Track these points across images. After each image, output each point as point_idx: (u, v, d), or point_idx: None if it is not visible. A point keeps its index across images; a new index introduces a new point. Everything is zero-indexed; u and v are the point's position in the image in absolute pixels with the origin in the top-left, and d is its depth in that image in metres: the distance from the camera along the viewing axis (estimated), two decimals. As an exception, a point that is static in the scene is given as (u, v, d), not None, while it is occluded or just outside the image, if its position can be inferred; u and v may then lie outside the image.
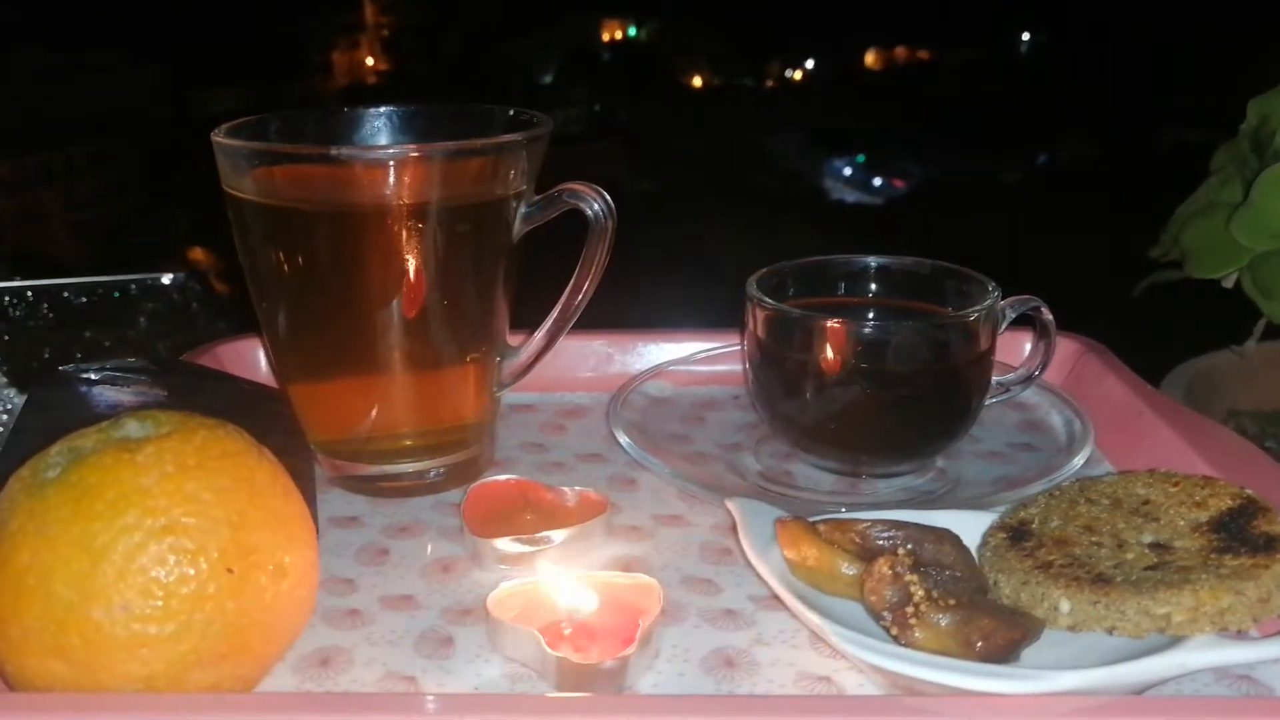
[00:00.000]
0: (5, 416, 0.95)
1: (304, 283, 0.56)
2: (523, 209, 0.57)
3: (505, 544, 0.52)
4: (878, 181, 4.08)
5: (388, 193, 0.53)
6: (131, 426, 0.43)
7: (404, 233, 0.54)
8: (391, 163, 0.52)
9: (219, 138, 0.55)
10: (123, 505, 0.40)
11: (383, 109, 0.62)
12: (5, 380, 0.98)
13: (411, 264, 0.54)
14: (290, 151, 0.55)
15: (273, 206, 0.55)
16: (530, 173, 0.57)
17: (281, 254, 0.56)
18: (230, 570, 0.41)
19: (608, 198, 0.57)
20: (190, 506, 0.40)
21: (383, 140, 0.62)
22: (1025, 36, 3.88)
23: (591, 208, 0.57)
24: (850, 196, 4.04)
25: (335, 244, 0.55)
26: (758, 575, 0.48)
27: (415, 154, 0.53)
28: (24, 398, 0.97)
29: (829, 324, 0.55)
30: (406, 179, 0.53)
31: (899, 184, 4.03)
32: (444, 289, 0.56)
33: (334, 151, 0.53)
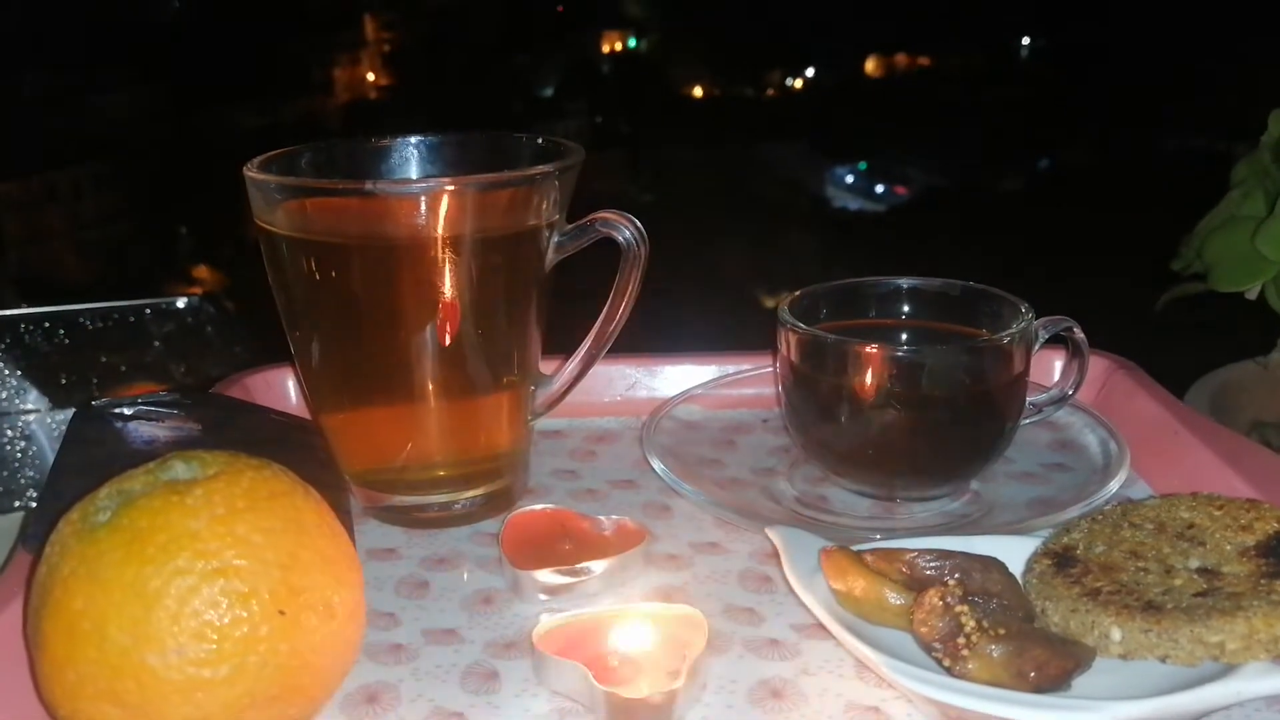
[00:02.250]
0: (23, 442, 0.95)
1: (338, 315, 0.56)
2: (555, 238, 0.57)
3: (546, 575, 0.52)
4: (880, 188, 4.08)
5: (422, 226, 0.53)
6: (179, 468, 0.43)
7: (438, 265, 0.54)
8: (426, 196, 0.53)
9: (251, 173, 0.55)
10: (174, 549, 0.40)
11: (412, 139, 0.62)
12: (21, 405, 0.99)
13: (445, 295, 0.54)
14: (325, 186, 0.55)
15: (306, 240, 0.55)
16: (562, 202, 0.57)
17: (315, 286, 0.56)
18: (282, 612, 0.41)
19: (639, 225, 0.57)
20: (241, 549, 0.40)
21: (412, 171, 0.62)
22: (1027, 41, 3.88)
23: (624, 235, 0.57)
24: (853, 204, 4.05)
25: (369, 276, 0.55)
26: (800, 603, 0.48)
27: (450, 187, 0.53)
28: (39, 420, 0.97)
29: (864, 349, 0.55)
30: (441, 212, 0.53)
31: (901, 191, 4.04)
32: (478, 320, 0.56)
33: (369, 186, 0.53)
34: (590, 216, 0.57)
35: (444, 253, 0.53)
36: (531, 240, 0.56)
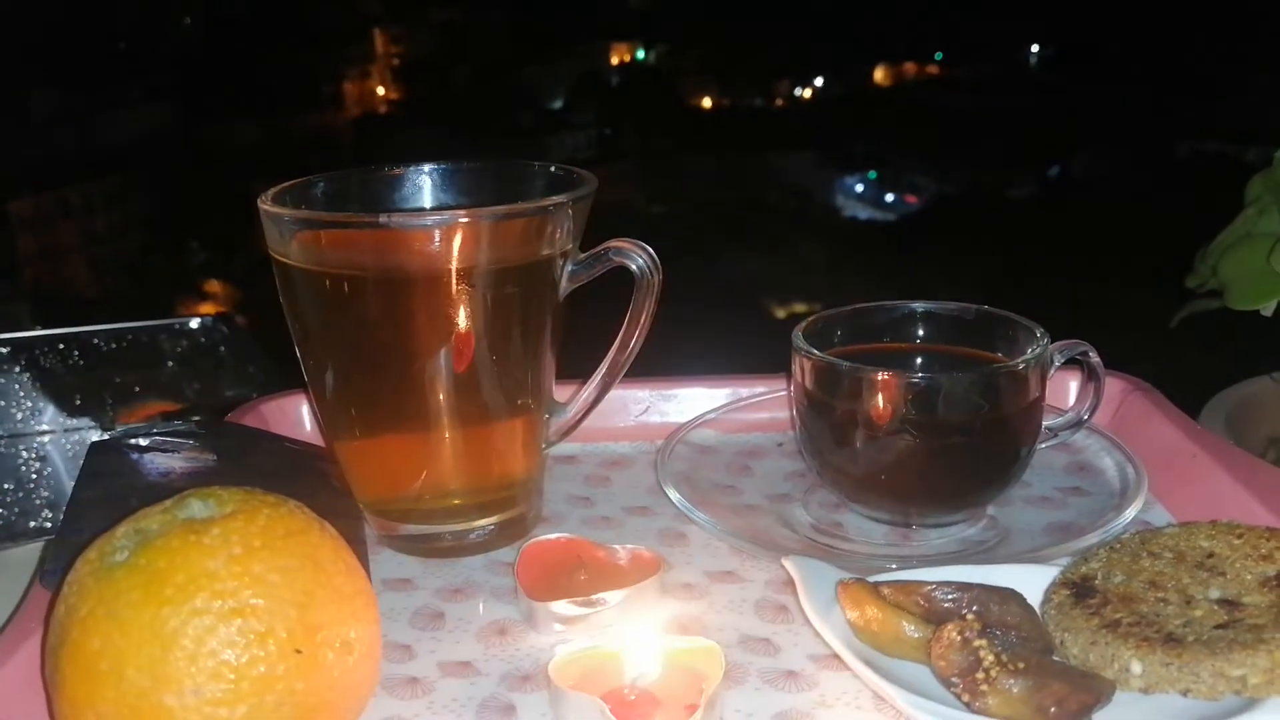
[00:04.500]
0: (38, 463, 0.96)
1: (352, 345, 0.57)
2: (569, 267, 0.57)
3: (562, 607, 0.52)
4: (890, 197, 4.09)
5: (436, 257, 0.53)
6: (196, 506, 0.43)
7: (452, 296, 0.54)
8: (440, 228, 0.53)
9: (265, 205, 0.55)
10: (192, 589, 0.40)
11: (425, 167, 0.62)
12: (36, 426, 0.99)
13: (460, 326, 0.54)
14: (340, 220, 0.56)
15: (320, 272, 0.55)
16: (575, 231, 0.57)
17: (329, 317, 0.56)
18: (298, 650, 0.41)
19: (652, 253, 0.57)
20: (258, 588, 0.41)
21: (426, 200, 0.62)
22: (1036, 49, 3.88)
23: (636, 263, 0.57)
24: (863, 213, 4.05)
25: (384, 307, 0.55)
26: (816, 634, 0.48)
27: (464, 219, 0.53)
28: (54, 441, 0.98)
29: (879, 376, 0.55)
30: (454, 244, 0.53)
31: (911, 200, 4.04)
32: (492, 349, 0.56)
33: (383, 219, 0.53)
34: (604, 245, 0.57)
35: (458, 284, 0.53)
36: (545, 270, 0.56)
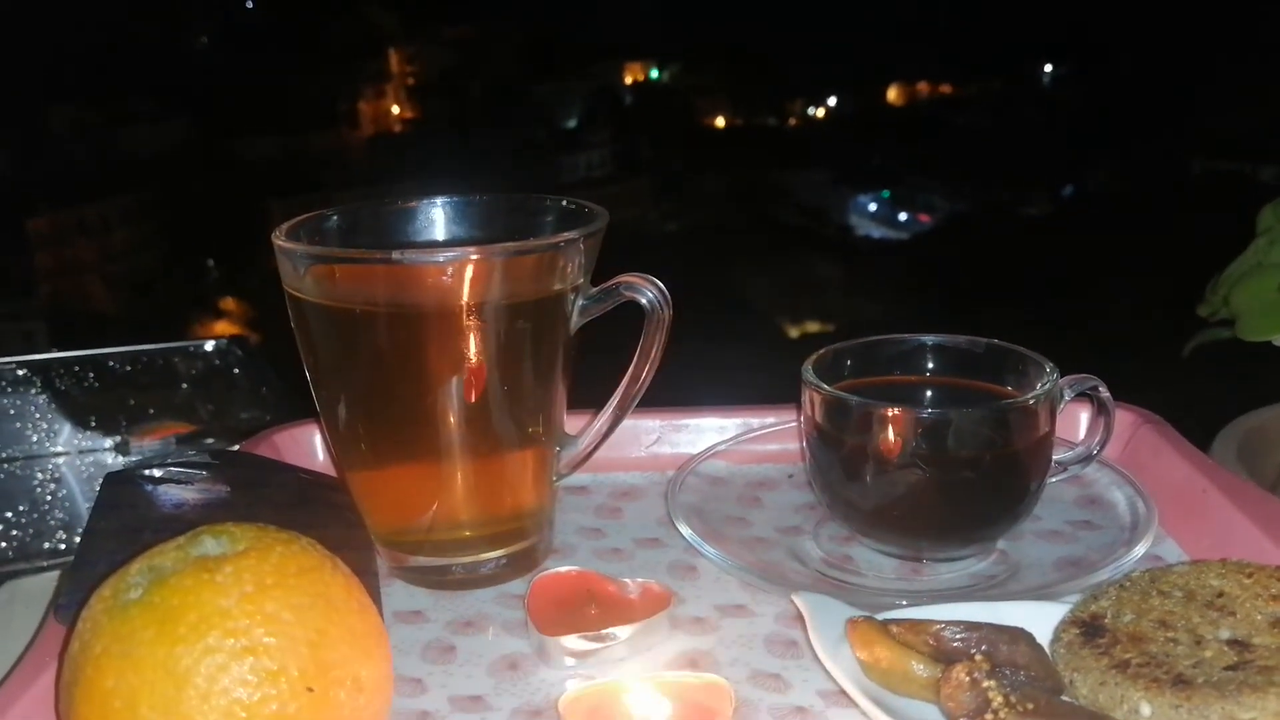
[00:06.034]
0: (53, 484, 0.96)
1: (365, 378, 0.57)
2: (580, 302, 0.57)
3: (572, 641, 0.52)
4: (903, 216, 4.09)
5: (448, 293, 0.53)
6: (209, 544, 0.44)
7: (464, 331, 0.54)
8: (452, 265, 0.53)
9: (279, 241, 0.55)
10: (205, 627, 0.40)
11: (438, 200, 0.63)
12: (51, 448, 1.00)
13: (472, 361, 0.55)
14: (352, 256, 0.56)
15: (334, 306, 0.55)
16: (587, 266, 0.57)
17: (343, 351, 0.57)
18: (310, 689, 0.41)
19: (663, 287, 0.58)
20: (270, 626, 0.41)
21: (438, 233, 0.62)
22: (1049, 69, 3.88)
23: (647, 298, 0.58)
24: (876, 232, 4.06)
25: (396, 342, 0.56)
26: (826, 671, 0.48)
27: (475, 255, 0.53)
28: (69, 463, 0.99)
29: (889, 411, 0.55)
30: (466, 279, 0.53)
31: (924, 219, 4.04)
32: (504, 383, 0.56)
33: (396, 255, 0.53)
34: (614, 280, 0.57)
35: (470, 319, 0.54)
36: (556, 305, 0.56)
